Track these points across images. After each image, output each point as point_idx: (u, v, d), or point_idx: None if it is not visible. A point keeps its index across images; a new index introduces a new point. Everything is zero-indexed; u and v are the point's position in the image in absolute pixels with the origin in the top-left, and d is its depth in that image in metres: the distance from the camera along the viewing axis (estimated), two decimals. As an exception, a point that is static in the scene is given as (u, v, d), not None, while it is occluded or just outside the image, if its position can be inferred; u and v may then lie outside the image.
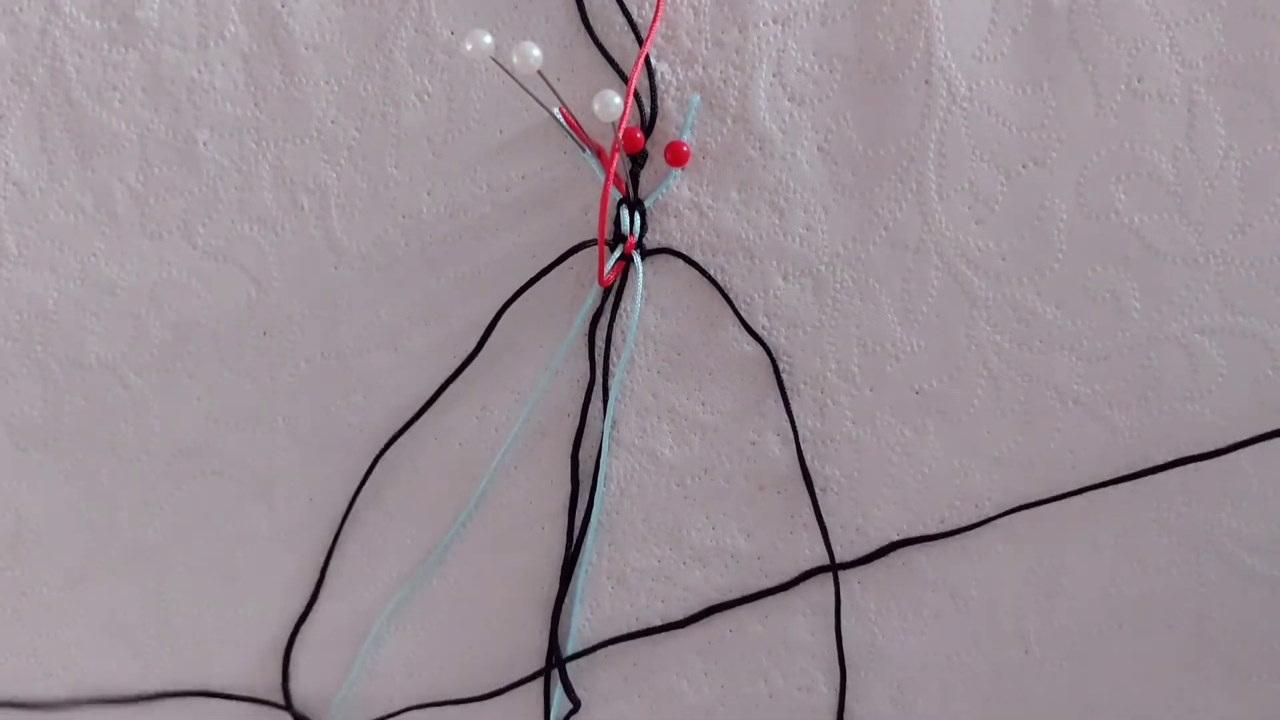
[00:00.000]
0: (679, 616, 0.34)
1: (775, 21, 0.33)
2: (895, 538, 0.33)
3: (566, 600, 0.33)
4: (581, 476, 0.33)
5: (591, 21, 0.33)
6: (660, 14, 0.33)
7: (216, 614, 0.35)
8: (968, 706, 0.33)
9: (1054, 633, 0.33)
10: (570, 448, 0.33)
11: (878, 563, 0.33)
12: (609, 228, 0.33)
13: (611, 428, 0.33)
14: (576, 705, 0.33)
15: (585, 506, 0.33)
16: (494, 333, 0.33)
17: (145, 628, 0.35)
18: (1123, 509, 0.33)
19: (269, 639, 0.35)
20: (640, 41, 0.33)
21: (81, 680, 0.36)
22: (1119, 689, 0.33)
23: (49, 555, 0.35)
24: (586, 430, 0.33)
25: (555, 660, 0.33)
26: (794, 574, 0.33)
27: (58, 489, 0.35)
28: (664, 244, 0.33)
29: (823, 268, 0.33)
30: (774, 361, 0.33)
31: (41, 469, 0.35)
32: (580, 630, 0.34)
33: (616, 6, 0.33)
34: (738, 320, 0.33)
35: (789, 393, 0.33)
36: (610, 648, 0.34)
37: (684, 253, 0.33)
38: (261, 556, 0.35)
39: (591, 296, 0.33)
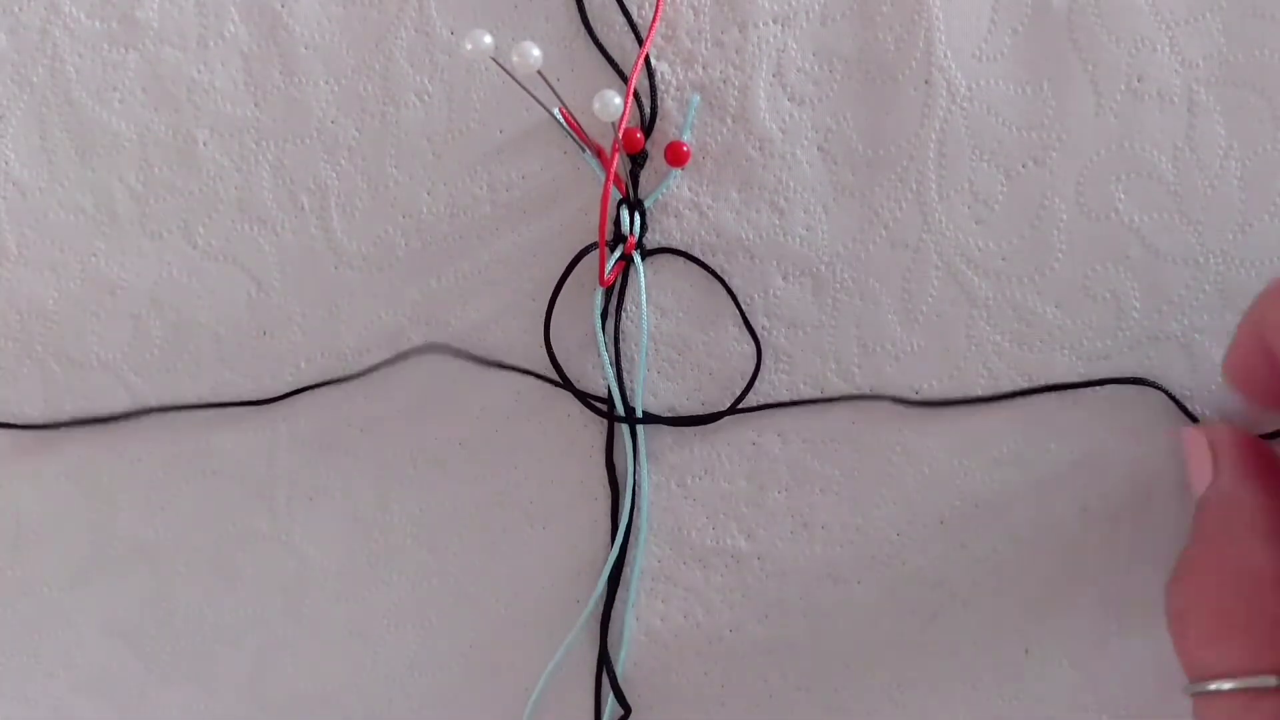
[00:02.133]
0: (677, 616, 0.34)
1: (775, 21, 0.33)
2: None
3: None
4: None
5: (591, 21, 0.33)
6: (660, 14, 0.33)
7: (218, 614, 0.35)
8: (967, 708, 0.33)
9: (1055, 635, 0.33)
10: (604, 456, 0.33)
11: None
12: (609, 228, 0.33)
13: (643, 430, 0.33)
14: (627, 710, 0.33)
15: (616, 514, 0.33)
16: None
17: (146, 628, 0.35)
18: (1123, 509, 0.33)
19: (269, 639, 0.35)
20: (640, 41, 0.33)
21: (82, 680, 0.36)
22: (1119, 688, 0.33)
23: (49, 555, 0.35)
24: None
25: (605, 667, 0.33)
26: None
27: (58, 489, 0.35)
28: (664, 244, 0.33)
29: (823, 268, 0.33)
30: (759, 363, 0.33)
31: (41, 469, 0.35)
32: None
33: (616, 6, 0.33)
34: (739, 318, 0.33)
35: (789, 393, 0.33)
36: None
37: (686, 251, 0.33)
38: (262, 556, 0.35)
39: (599, 297, 0.33)
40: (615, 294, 0.33)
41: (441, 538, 0.34)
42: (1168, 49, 0.32)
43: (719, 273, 0.33)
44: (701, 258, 0.33)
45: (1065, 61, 0.32)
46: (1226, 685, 0.26)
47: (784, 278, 0.33)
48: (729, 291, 0.33)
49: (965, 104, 0.32)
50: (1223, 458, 0.29)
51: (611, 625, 0.33)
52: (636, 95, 0.33)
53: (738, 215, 0.33)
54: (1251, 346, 0.28)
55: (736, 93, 0.33)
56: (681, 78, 0.33)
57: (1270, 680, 0.25)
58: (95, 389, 0.34)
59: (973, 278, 0.33)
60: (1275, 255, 0.32)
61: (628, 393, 0.33)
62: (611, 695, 0.33)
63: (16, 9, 0.34)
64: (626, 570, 0.33)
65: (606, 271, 0.32)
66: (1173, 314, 0.32)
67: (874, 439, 0.33)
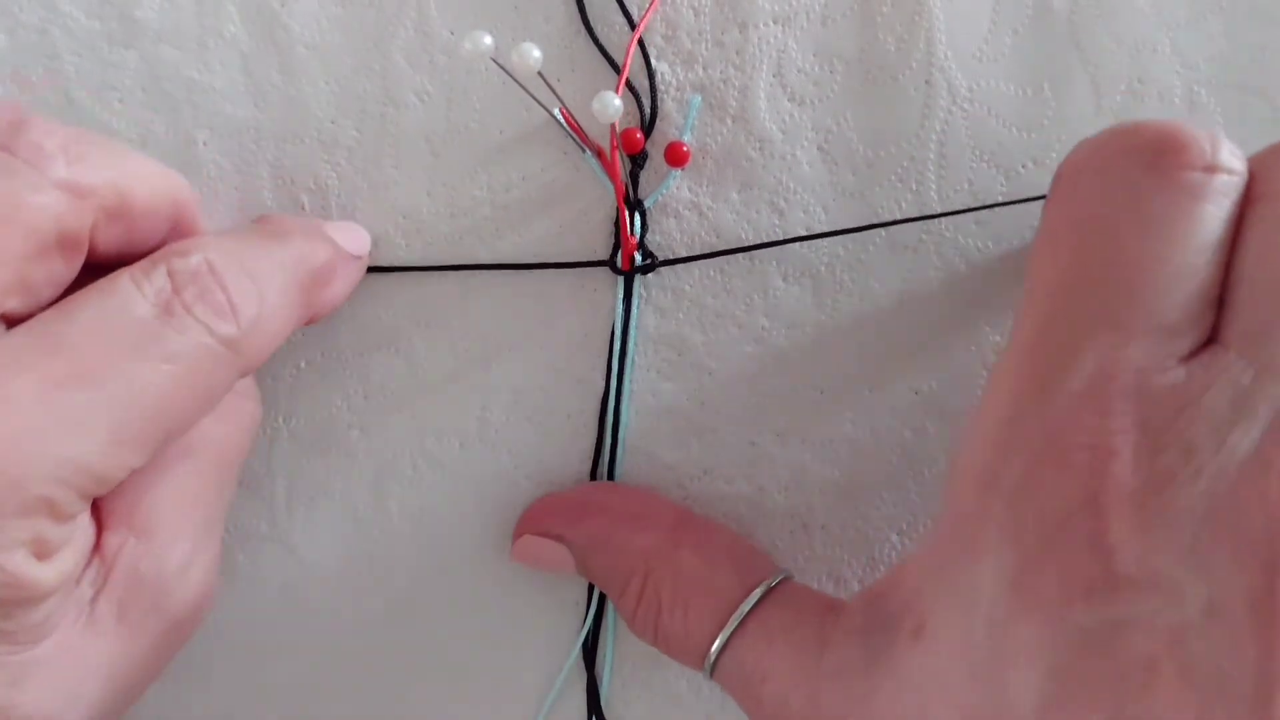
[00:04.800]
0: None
1: (775, 21, 0.33)
2: (894, 538, 0.33)
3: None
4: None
5: (591, 21, 0.33)
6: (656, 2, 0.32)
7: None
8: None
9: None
10: (591, 458, 0.33)
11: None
12: (610, 229, 0.33)
13: (625, 433, 0.33)
14: None
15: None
16: (488, 333, 0.33)
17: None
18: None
19: (269, 639, 0.35)
20: (641, 43, 0.33)
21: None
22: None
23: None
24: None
25: (592, 694, 0.33)
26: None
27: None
28: (664, 244, 0.33)
29: (822, 268, 0.33)
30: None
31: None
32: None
33: (616, 6, 0.33)
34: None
35: (788, 394, 0.33)
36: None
37: (668, 257, 0.33)
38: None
39: (620, 302, 0.33)
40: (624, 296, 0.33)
41: (442, 537, 0.34)
42: (1169, 50, 0.32)
43: (717, 276, 0.33)
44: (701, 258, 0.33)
45: (1066, 62, 0.32)
46: (730, 627, 0.28)
47: (784, 278, 0.33)
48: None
49: (966, 105, 0.32)
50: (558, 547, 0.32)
51: (606, 621, 0.33)
52: (636, 96, 0.33)
53: (738, 215, 0.33)
54: None
55: (736, 93, 0.33)
56: (681, 78, 0.33)
57: (754, 595, 0.29)
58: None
59: (973, 279, 0.33)
60: (1275, 256, 0.32)
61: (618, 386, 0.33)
62: (605, 688, 0.33)
63: (16, 9, 0.34)
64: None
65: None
66: (1173, 315, 0.32)
67: (873, 439, 0.33)
